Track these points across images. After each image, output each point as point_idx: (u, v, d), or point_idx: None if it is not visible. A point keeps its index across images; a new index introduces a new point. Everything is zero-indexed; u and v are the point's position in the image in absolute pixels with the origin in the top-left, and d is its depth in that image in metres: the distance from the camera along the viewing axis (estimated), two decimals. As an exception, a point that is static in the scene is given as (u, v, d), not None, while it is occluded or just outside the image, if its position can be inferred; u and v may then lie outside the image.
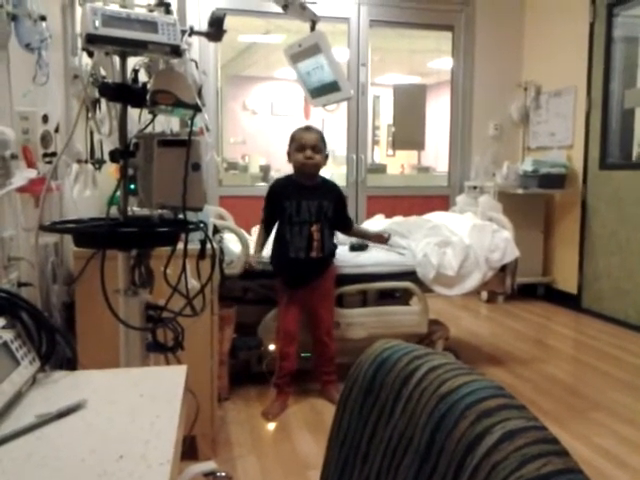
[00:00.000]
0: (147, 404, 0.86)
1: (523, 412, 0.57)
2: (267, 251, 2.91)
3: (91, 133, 2.84)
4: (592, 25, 4.49)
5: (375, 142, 9.52)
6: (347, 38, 5.02)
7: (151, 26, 1.55)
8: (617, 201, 4.31)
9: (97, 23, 1.48)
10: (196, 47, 4.01)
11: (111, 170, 2.88)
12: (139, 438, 0.76)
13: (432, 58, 7.86)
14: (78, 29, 3.08)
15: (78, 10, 2.98)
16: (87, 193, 2.71)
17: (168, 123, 2.36)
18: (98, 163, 2.93)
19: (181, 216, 1.66)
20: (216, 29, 1.70)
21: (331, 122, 7.86)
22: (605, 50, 4.39)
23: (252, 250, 2.88)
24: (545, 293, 5.06)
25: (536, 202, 4.93)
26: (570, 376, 3.34)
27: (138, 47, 1.54)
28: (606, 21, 4.38)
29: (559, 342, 4.01)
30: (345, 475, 0.78)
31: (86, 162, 2.77)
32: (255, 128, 8.99)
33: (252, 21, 5.46)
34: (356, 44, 5.02)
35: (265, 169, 7.35)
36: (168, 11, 1.62)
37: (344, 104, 5.11)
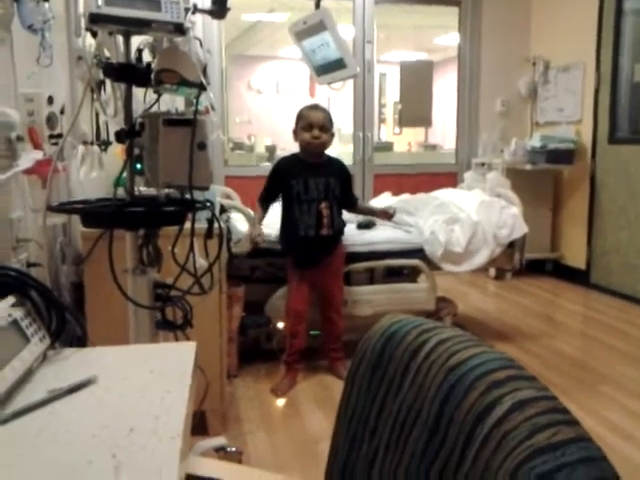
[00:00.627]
0: (157, 380, 0.87)
1: (533, 382, 0.57)
2: (275, 230, 2.90)
3: (96, 115, 2.84)
4: (601, -3, 4.41)
5: (381, 120, 9.46)
6: (352, 15, 4.96)
7: (154, 4, 1.53)
8: (626, 176, 4.27)
9: (100, 2, 1.46)
10: (200, 26, 3.98)
11: (117, 151, 2.88)
12: (150, 413, 0.76)
13: (439, 34, 7.76)
14: (81, 9, 3.06)
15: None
16: (93, 174, 2.71)
17: (173, 102, 2.34)
18: (104, 144, 2.92)
19: (188, 195, 1.66)
20: (219, 6, 1.68)
21: (337, 100, 7.80)
22: (615, 23, 4.32)
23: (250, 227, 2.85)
24: (553, 269, 5.04)
25: (544, 178, 4.89)
26: (578, 351, 3.34)
27: (141, 26, 1.52)
28: (616, -7, 4.30)
29: (567, 317, 4.01)
30: (354, 449, 0.78)
31: (92, 144, 2.76)
32: (260, 108, 8.94)
33: (256, -1, 5.40)
34: (361, 21, 4.95)
35: (271, 149, 7.31)
36: (171, -12, 1.60)
37: (350, 82, 5.06)
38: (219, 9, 1.67)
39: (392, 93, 9.21)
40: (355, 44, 4.93)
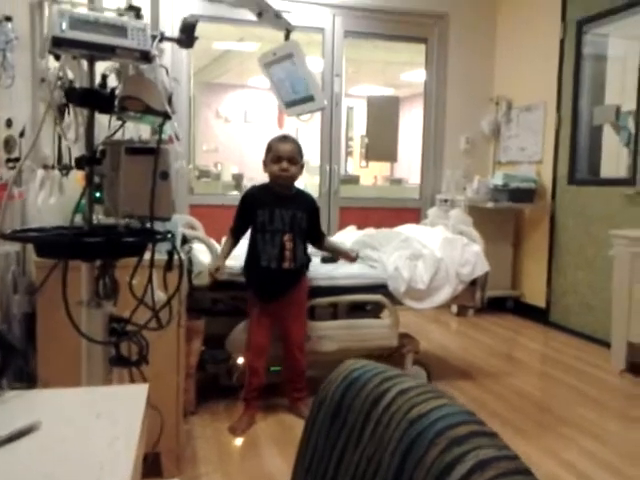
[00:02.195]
0: (105, 425, 0.82)
1: (494, 440, 0.55)
2: (240, 262, 2.86)
3: (59, 138, 2.78)
4: (562, 42, 4.57)
5: (348, 153, 9.55)
6: (322, 48, 5.02)
7: (120, 31, 1.51)
8: (585, 216, 4.37)
9: (64, 26, 1.44)
10: (169, 53, 3.96)
11: (78, 177, 2.81)
12: (95, 461, 0.71)
13: (405, 70, 7.93)
14: (46, 31, 3.02)
15: (47, 11, 2.92)
16: (52, 200, 2.64)
17: (137, 130, 2.31)
18: (65, 169, 2.86)
19: (148, 225, 1.62)
20: (187, 36, 1.67)
21: (305, 132, 7.85)
22: (575, 67, 4.47)
23: (212, 259, 2.80)
24: (514, 307, 5.09)
25: (506, 216, 4.98)
26: (538, 390, 3.36)
27: (106, 52, 1.50)
28: (576, 38, 4.46)
29: (528, 356, 4.03)
30: (311, 501, 0.75)
31: (53, 168, 2.70)
32: (228, 136, 8.94)
33: (226, 28, 5.43)
34: (330, 54, 5.02)
35: (238, 177, 7.28)
36: (138, 16, 1.58)
37: (318, 114, 5.11)
38: (187, 38, 1.66)
39: (359, 126, 9.33)
40: (324, 77, 4.98)
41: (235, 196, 5.30)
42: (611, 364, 3.63)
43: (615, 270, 3.57)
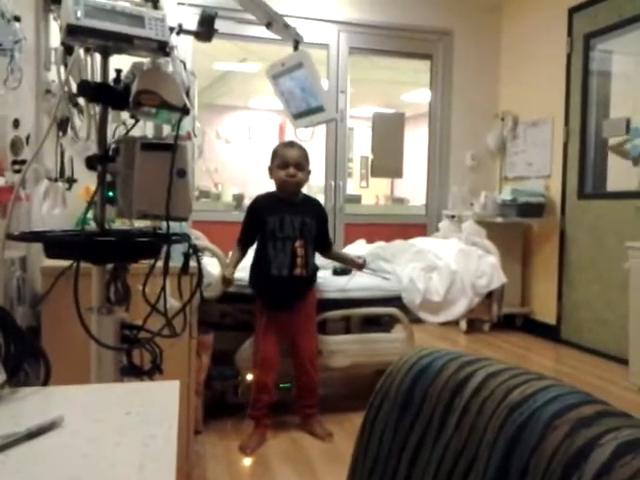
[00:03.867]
0: (136, 422, 0.72)
1: (630, 420, 0.46)
2: (245, 273, 2.76)
3: (61, 152, 2.74)
4: (569, 56, 4.54)
5: (348, 174, 9.50)
6: (326, 66, 4.99)
7: (138, 20, 1.45)
8: (596, 231, 4.30)
9: (79, 13, 1.37)
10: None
11: (81, 192, 2.75)
12: (132, 462, 0.62)
13: (406, 91, 7.92)
14: (51, 43, 2.96)
15: (52, 24, 2.88)
16: (56, 211, 2.56)
17: (143, 131, 2.23)
18: (68, 182, 2.80)
19: (162, 228, 1.54)
20: (207, 28, 1.60)
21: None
22: (582, 81, 4.44)
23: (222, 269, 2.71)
24: (523, 324, 4.99)
25: (514, 231, 4.90)
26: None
27: (123, 41, 1.43)
28: (583, 52, 4.43)
29: (542, 372, 3.92)
30: (379, 507, 0.65)
31: (56, 180, 2.64)
32: (229, 157, 8.90)
33: (228, 48, 5.39)
34: (335, 71, 4.99)
35: (238, 198, 7.21)
36: (156, 6, 1.52)
37: (321, 132, 5.05)
38: (206, 31, 1.59)
39: (358, 148, 9.31)
40: (329, 94, 4.93)
41: (236, 215, 5.22)
42: (629, 381, 3.53)
43: (632, 283, 3.49)
